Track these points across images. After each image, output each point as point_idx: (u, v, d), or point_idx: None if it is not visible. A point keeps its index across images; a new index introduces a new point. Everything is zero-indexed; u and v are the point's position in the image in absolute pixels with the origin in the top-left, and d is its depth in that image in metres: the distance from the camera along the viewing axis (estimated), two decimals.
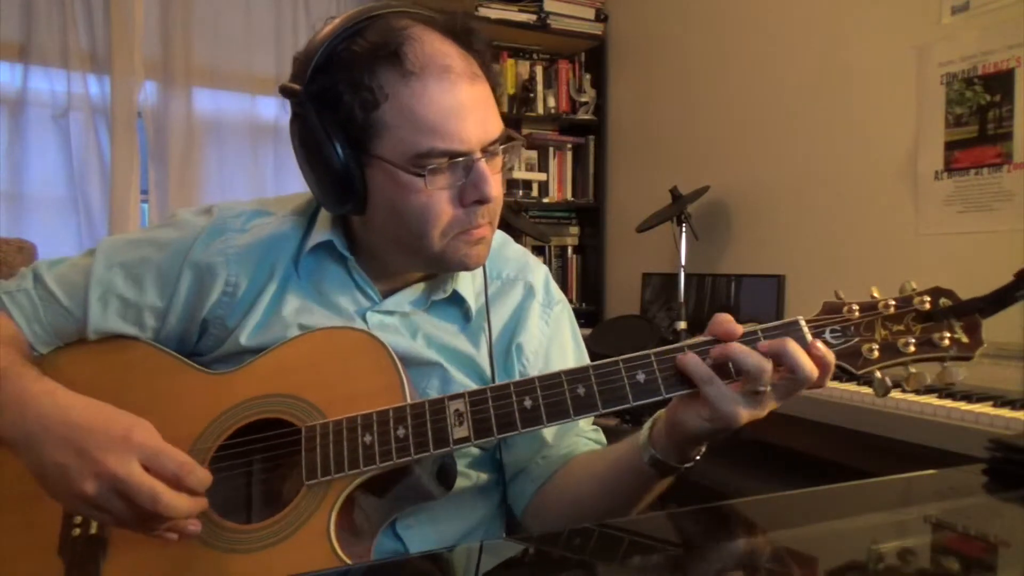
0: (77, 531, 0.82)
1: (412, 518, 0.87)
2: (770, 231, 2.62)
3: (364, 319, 0.90)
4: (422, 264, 0.89)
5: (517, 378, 0.93)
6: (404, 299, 0.92)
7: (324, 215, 0.92)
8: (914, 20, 2.11)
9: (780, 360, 0.70)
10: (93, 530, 0.81)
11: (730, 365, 0.72)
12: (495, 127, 0.83)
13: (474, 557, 0.68)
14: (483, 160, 0.81)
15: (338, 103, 0.80)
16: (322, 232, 0.90)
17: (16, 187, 2.73)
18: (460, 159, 0.80)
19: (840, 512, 0.71)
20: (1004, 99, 1.90)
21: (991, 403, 1.47)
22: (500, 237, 1.03)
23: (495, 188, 0.82)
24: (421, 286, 0.93)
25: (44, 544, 0.82)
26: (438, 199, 0.81)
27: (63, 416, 0.75)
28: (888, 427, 1.56)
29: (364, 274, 0.91)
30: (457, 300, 0.94)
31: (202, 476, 0.75)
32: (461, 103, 0.80)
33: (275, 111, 3.13)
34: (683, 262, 2.66)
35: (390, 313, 0.91)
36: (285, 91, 0.81)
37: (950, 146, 2.03)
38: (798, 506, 0.75)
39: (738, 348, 0.70)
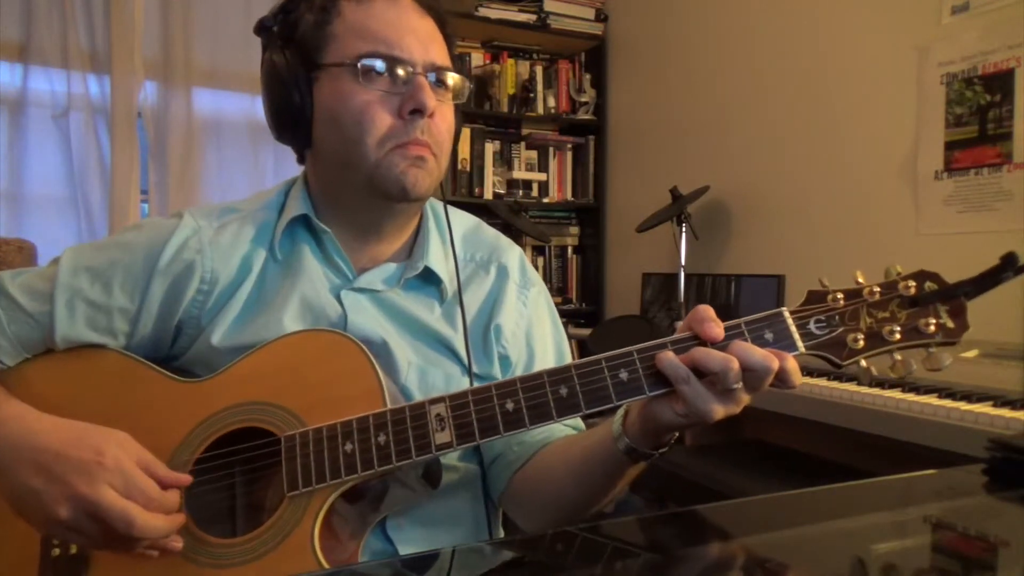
0: (57, 551, 0.80)
1: (402, 518, 0.86)
2: (770, 231, 2.62)
3: (339, 299, 0.89)
4: (362, 186, 0.87)
5: (496, 360, 0.94)
6: (377, 277, 0.92)
7: (293, 198, 0.93)
8: (914, 20, 2.11)
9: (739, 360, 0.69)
10: (73, 550, 0.80)
11: None
12: (440, 57, 0.88)
13: (465, 559, 0.67)
14: (423, 76, 0.85)
15: (296, 28, 0.88)
16: (296, 208, 0.91)
17: (16, 187, 2.72)
18: (400, 69, 0.84)
19: (840, 512, 0.71)
20: (1004, 99, 1.90)
21: (991, 403, 1.47)
22: (474, 222, 1.04)
23: (432, 100, 0.84)
24: (393, 266, 0.93)
25: (24, 563, 0.80)
26: (377, 104, 0.84)
27: (33, 440, 0.74)
28: (888, 427, 1.56)
29: (340, 247, 0.91)
30: (432, 279, 0.94)
31: (172, 502, 0.75)
32: (406, 22, 0.87)
33: None
34: (683, 262, 2.66)
35: (364, 291, 0.91)
36: (257, 28, 0.90)
37: (950, 146, 2.03)
38: (798, 506, 0.75)
39: (700, 352, 0.70)
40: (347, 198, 0.91)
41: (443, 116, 0.88)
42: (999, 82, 1.91)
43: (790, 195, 2.54)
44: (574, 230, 3.58)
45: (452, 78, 0.89)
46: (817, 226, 2.43)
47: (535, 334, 0.99)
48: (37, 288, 0.88)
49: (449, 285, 0.94)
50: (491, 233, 1.05)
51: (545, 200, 3.47)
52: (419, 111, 0.84)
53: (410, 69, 0.85)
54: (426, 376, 0.89)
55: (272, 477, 0.80)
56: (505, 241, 1.04)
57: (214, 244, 0.89)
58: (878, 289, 0.72)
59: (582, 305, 3.50)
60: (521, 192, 3.41)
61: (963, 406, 1.46)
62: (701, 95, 2.94)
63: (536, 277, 1.03)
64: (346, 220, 0.92)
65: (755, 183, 2.68)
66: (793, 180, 2.53)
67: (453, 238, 0.96)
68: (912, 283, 0.72)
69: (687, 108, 3.01)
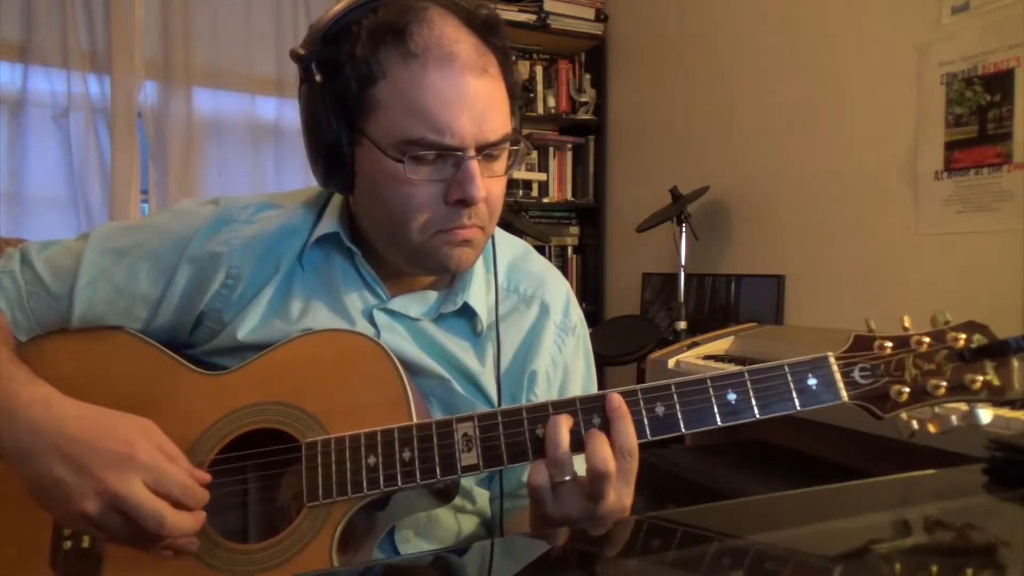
0: (68, 544, 0.78)
1: (410, 530, 0.85)
2: (770, 231, 2.62)
3: (371, 318, 0.86)
4: (404, 258, 0.84)
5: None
6: (412, 304, 0.88)
7: (332, 208, 0.89)
8: (914, 20, 2.11)
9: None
10: (85, 544, 0.78)
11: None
12: (495, 129, 0.78)
13: (486, 557, 0.67)
14: (476, 160, 0.76)
15: (338, 75, 0.77)
16: (329, 224, 0.87)
17: (16, 187, 2.72)
18: (450, 154, 0.76)
19: (840, 512, 0.71)
20: (1004, 99, 1.90)
21: (991, 403, 1.47)
22: (523, 248, 0.99)
23: (482, 191, 0.77)
24: (433, 295, 0.89)
25: (34, 554, 0.78)
26: (420, 191, 0.77)
27: (59, 428, 0.71)
28: (888, 427, 1.56)
29: (371, 270, 0.87)
30: (467, 313, 0.89)
31: (203, 496, 0.73)
32: (460, 94, 0.75)
33: (275, 111, 3.12)
34: (683, 262, 2.66)
35: (396, 315, 0.87)
36: (294, 55, 0.79)
37: (950, 146, 2.03)
38: (798, 506, 0.75)
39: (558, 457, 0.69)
40: (383, 251, 0.87)
41: (494, 190, 0.81)
42: (999, 82, 1.91)
43: (790, 195, 2.54)
44: (574, 230, 3.58)
45: (505, 151, 0.81)
46: (817, 226, 2.43)
47: (568, 388, 0.94)
48: (62, 264, 0.86)
49: (485, 318, 0.89)
50: (540, 264, 0.98)
51: (545, 200, 3.47)
52: (464, 202, 0.77)
53: (459, 154, 0.76)
54: (451, 409, 0.86)
55: (290, 482, 0.79)
56: (552, 274, 0.98)
57: (244, 239, 0.86)
58: (927, 340, 0.71)
59: (582, 305, 3.49)
60: (521, 192, 3.41)
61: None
62: (701, 95, 2.94)
63: (578, 318, 0.98)
64: (380, 254, 0.88)
65: (755, 183, 2.68)
66: (793, 180, 2.53)
67: (497, 270, 0.91)
68: (961, 336, 0.70)
69: (687, 108, 3.01)
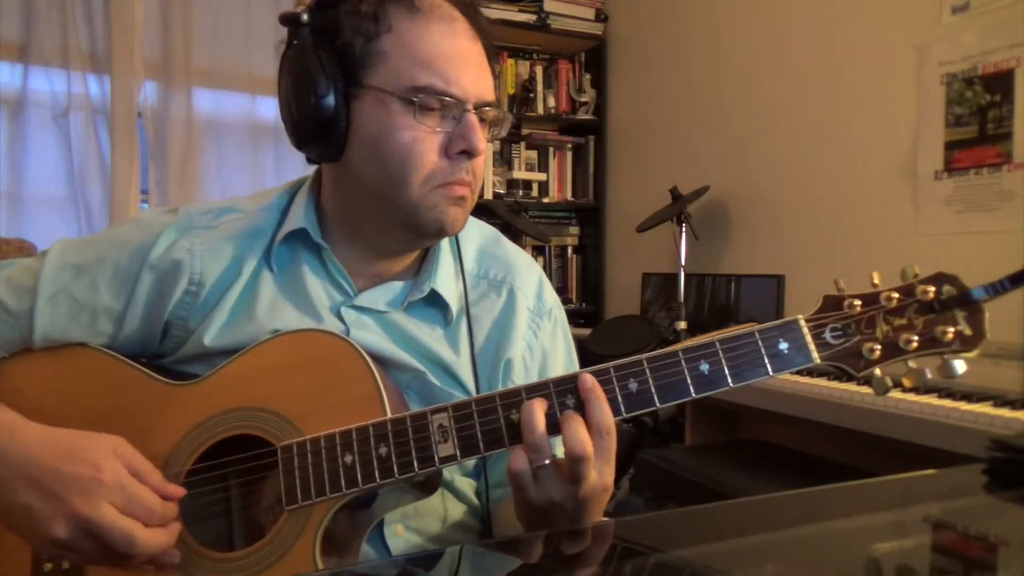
0: (49, 565, 0.78)
1: (399, 524, 0.85)
2: (770, 231, 2.62)
3: (339, 314, 0.86)
4: (398, 220, 0.83)
5: None
6: (380, 296, 0.88)
7: (298, 205, 0.88)
8: (914, 20, 2.11)
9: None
10: (65, 564, 0.78)
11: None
12: (489, 90, 0.83)
13: (458, 559, 0.67)
14: (474, 114, 0.81)
15: (337, 32, 0.80)
16: (296, 221, 0.86)
17: (16, 187, 2.72)
18: (453, 106, 0.80)
19: (840, 512, 0.71)
20: (1004, 99, 1.90)
21: (991, 403, 1.47)
22: (492, 234, 0.99)
23: (483, 142, 0.82)
24: (399, 285, 0.89)
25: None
26: (425, 141, 0.79)
27: (25, 454, 0.71)
28: (888, 427, 1.57)
29: (339, 265, 0.87)
30: (437, 302, 0.89)
31: (171, 514, 0.73)
32: (462, 52, 0.81)
33: (275, 111, 3.11)
34: (683, 262, 2.66)
35: (365, 310, 0.87)
36: (285, 18, 0.81)
37: (950, 146, 2.03)
38: (798, 506, 0.75)
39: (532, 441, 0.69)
40: (367, 223, 0.86)
41: (484, 152, 0.84)
42: (999, 82, 1.91)
43: (790, 195, 2.54)
44: (574, 230, 3.58)
45: (497, 113, 0.85)
46: (817, 226, 2.43)
47: (548, 372, 0.93)
48: (21, 283, 0.85)
49: (455, 305, 0.90)
50: (511, 250, 0.98)
51: (545, 200, 3.47)
52: (468, 153, 0.81)
53: (462, 106, 0.80)
54: (429, 402, 0.85)
55: (269, 487, 0.78)
56: (524, 260, 0.98)
57: (206, 244, 0.86)
58: (896, 295, 0.70)
59: (582, 305, 3.50)
60: (521, 192, 3.42)
61: (963, 406, 1.46)
62: (701, 95, 2.94)
63: (553, 303, 0.97)
64: (357, 239, 0.88)
65: (755, 183, 2.68)
66: (793, 180, 2.53)
67: (462, 256, 0.91)
68: (931, 288, 0.69)
69: (687, 108, 3.01)
